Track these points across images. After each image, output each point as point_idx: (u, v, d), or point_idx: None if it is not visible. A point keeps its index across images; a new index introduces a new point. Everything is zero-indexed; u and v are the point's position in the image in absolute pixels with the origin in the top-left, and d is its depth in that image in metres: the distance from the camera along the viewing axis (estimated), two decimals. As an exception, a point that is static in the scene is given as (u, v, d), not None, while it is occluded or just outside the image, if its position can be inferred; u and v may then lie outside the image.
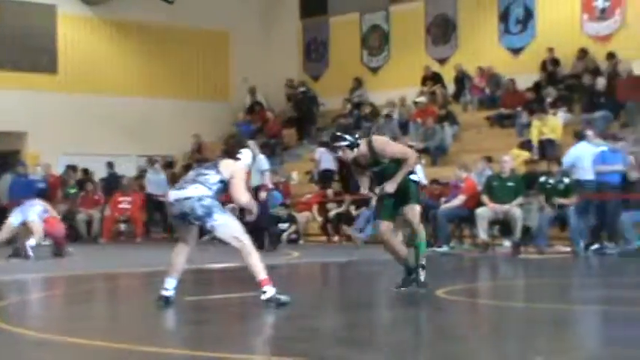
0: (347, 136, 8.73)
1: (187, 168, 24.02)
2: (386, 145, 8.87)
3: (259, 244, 15.45)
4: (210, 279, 11.95)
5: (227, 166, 8.04)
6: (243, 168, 8.16)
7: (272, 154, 23.85)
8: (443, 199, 16.38)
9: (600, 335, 6.81)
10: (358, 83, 24.52)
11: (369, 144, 8.75)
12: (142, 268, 12.85)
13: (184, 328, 7.37)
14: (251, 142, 17.60)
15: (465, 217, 15.76)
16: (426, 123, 20.53)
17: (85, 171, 22.64)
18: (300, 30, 26.73)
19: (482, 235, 14.92)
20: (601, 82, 18.74)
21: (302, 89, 24.97)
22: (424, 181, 18.13)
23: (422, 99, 21.85)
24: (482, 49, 22.57)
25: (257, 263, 7.86)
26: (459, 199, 15.63)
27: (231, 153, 8.25)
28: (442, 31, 23.55)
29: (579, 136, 16.14)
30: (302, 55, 26.68)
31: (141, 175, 23.57)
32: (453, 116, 20.98)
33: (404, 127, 21.26)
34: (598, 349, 6.18)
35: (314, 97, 24.93)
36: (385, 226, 8.87)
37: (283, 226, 19.33)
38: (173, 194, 8.01)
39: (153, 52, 25.62)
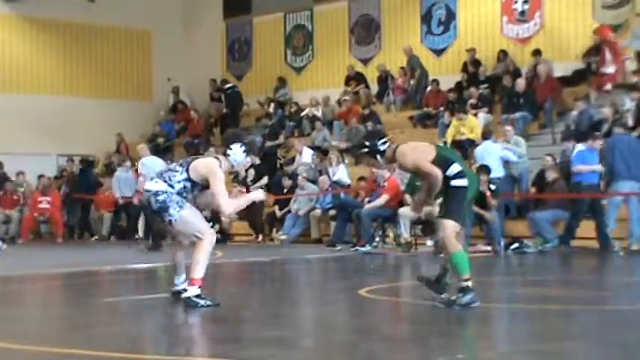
0: (367, 143, 8.02)
1: (108, 167, 23.85)
2: (402, 155, 7.83)
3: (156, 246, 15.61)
4: (131, 279, 11.80)
5: (197, 166, 7.82)
6: (220, 167, 7.82)
7: (196, 153, 23.68)
8: (366, 199, 16.48)
9: (518, 332, 6.90)
10: (282, 83, 24.51)
11: (394, 151, 7.92)
12: (61, 269, 12.63)
13: (102, 330, 7.24)
14: (141, 145, 17.51)
15: (388, 217, 15.89)
16: (350, 123, 20.62)
17: None
18: (223, 29, 26.61)
19: (405, 234, 15.05)
20: (521, 84, 19.06)
21: (228, 85, 24.85)
22: (347, 181, 18.26)
23: (345, 99, 21.94)
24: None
25: (200, 261, 7.74)
26: (383, 199, 15.73)
27: (225, 144, 8.01)
28: (366, 31, 23.70)
29: (485, 136, 16.58)
30: (225, 55, 26.57)
31: (61, 174, 23.23)
32: (376, 116, 21.09)
33: (328, 127, 21.34)
34: (515, 345, 6.26)
35: (240, 94, 24.84)
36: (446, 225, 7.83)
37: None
38: (147, 184, 8.15)
39: (74, 51, 25.24)
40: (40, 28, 24.83)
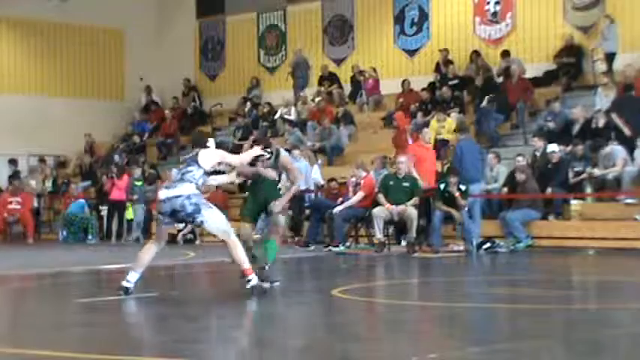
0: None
1: (80, 167, 23.74)
2: None
3: None
4: (105, 280, 11.75)
5: (205, 156, 8.57)
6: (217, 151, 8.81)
7: (168, 153, 23.63)
8: (340, 199, 16.49)
9: (489, 331, 6.95)
10: (255, 83, 24.50)
11: None
12: (32, 269, 12.55)
13: (74, 331, 7.21)
14: None
15: (361, 217, 15.91)
16: (323, 123, 20.63)
17: None
18: (196, 29, 26.53)
19: (379, 234, 15.05)
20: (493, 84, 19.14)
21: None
22: (321, 181, 18.26)
23: (319, 99, 21.95)
24: (378, 50, 22.82)
25: (241, 255, 8.55)
26: (358, 195, 15.72)
27: (199, 144, 8.74)
28: (339, 31, 23.72)
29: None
30: (198, 55, 26.50)
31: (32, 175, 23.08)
32: (349, 116, 21.13)
33: (302, 127, 21.30)
34: (487, 344, 6.31)
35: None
36: None
37: (179, 226, 19.12)
38: (164, 193, 8.60)
39: (45, 50, 25.07)
40: (10, 27, 24.63)
